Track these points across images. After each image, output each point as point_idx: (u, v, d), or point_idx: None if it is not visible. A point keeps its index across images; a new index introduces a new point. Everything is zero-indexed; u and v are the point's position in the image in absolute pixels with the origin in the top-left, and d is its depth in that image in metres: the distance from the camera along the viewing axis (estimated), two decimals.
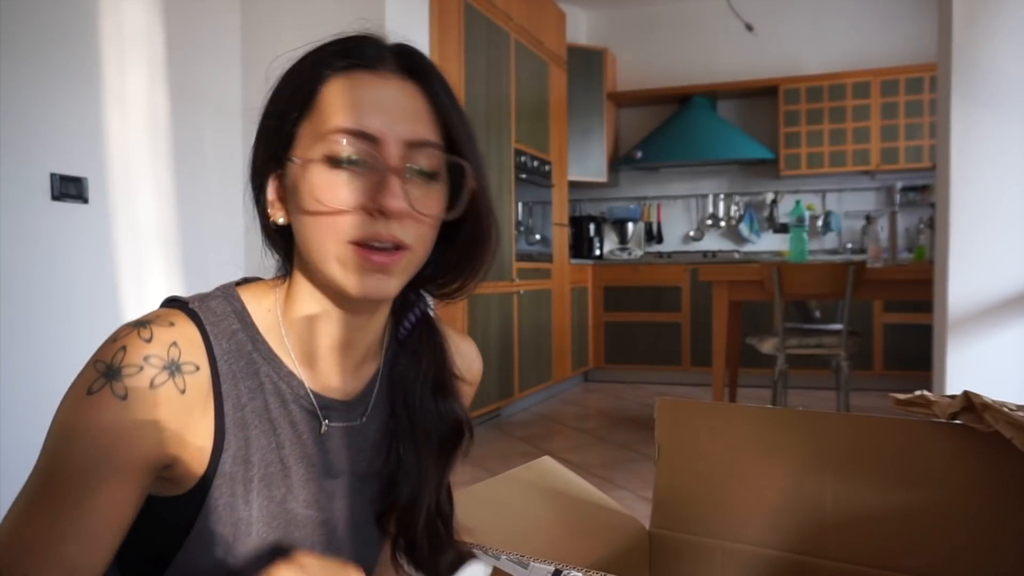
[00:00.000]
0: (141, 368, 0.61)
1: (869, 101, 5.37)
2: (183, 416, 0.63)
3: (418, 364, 0.77)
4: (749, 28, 5.77)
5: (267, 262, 0.76)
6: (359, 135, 0.64)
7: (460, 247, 0.74)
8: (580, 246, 5.89)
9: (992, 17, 2.37)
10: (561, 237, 5.11)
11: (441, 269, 0.76)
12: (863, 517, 0.90)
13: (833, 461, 0.92)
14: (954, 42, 2.40)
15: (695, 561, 1.01)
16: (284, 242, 0.72)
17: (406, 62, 0.68)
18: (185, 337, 0.64)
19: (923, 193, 5.41)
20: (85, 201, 2.53)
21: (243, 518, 0.67)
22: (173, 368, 0.63)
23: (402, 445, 0.76)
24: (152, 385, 0.62)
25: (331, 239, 0.64)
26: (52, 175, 2.43)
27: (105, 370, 0.62)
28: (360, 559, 0.75)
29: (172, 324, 0.64)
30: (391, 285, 0.67)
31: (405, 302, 0.79)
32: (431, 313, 0.81)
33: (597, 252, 6.02)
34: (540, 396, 4.92)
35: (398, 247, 0.65)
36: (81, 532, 0.60)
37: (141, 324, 0.64)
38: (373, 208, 0.63)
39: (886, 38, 5.47)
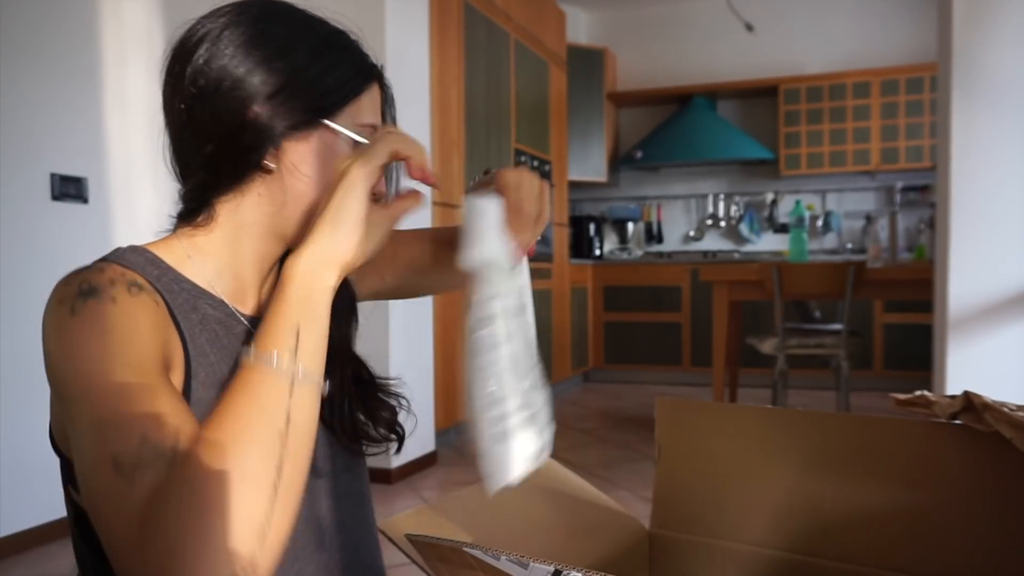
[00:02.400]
0: (113, 282, 0.63)
1: (869, 101, 5.37)
2: (164, 326, 0.65)
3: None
4: (749, 28, 5.78)
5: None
6: (373, 129, 0.75)
7: None
8: (580, 246, 5.89)
9: (992, 17, 2.37)
10: (561, 237, 5.11)
11: None
12: (863, 517, 0.90)
13: (833, 461, 0.92)
14: (954, 42, 2.40)
15: (695, 561, 1.01)
16: (228, 184, 0.72)
17: (385, 80, 0.80)
18: (129, 272, 0.66)
19: (923, 193, 5.41)
20: (85, 201, 2.53)
21: None
22: (136, 285, 0.64)
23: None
24: (130, 291, 0.63)
25: (313, 204, 0.71)
26: (52, 175, 2.43)
27: (78, 292, 0.62)
28: (332, 455, 0.79)
29: (107, 266, 0.66)
30: None
31: None
32: None
33: (597, 252, 6.02)
34: None
35: None
36: (168, 397, 0.60)
37: (83, 268, 0.66)
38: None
39: (886, 38, 5.47)
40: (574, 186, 5.76)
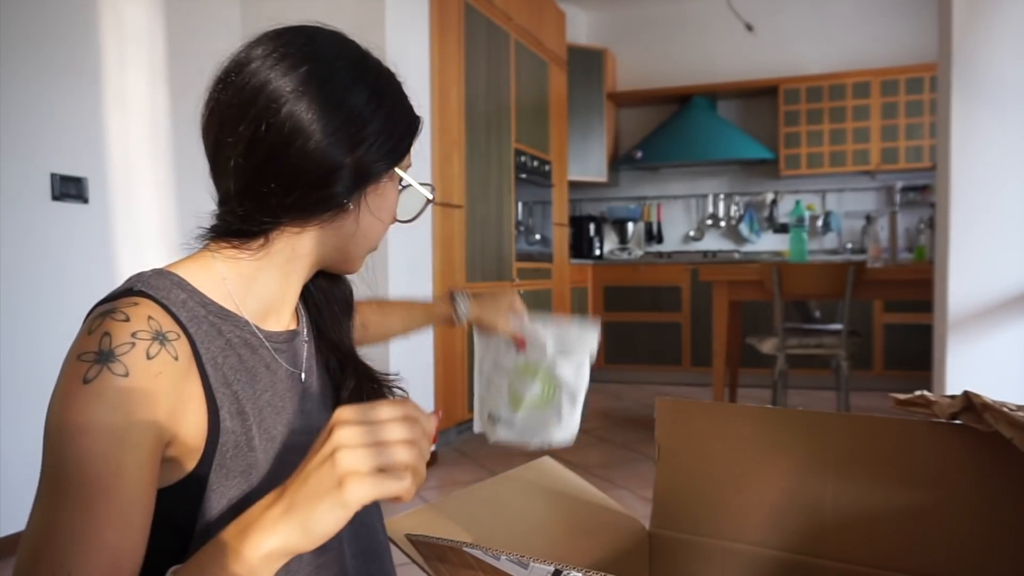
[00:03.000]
0: (133, 344, 0.63)
1: (869, 101, 5.37)
2: (181, 382, 0.65)
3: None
4: (749, 28, 5.77)
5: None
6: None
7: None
8: (580, 246, 5.89)
9: (992, 17, 2.37)
10: (561, 237, 5.11)
11: None
12: (863, 517, 0.90)
13: (833, 461, 0.92)
14: (954, 42, 2.40)
15: (695, 561, 1.01)
16: (298, 218, 0.74)
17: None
18: (154, 310, 0.66)
19: (923, 193, 5.41)
20: (85, 201, 2.53)
21: (251, 463, 0.70)
22: (160, 338, 0.64)
23: (327, 334, 0.87)
24: (148, 356, 0.63)
25: (380, 238, 0.81)
26: (52, 175, 2.43)
27: (96, 357, 0.61)
28: None
29: (136, 303, 0.66)
30: None
31: None
32: None
33: (597, 252, 6.02)
34: None
35: None
36: (114, 516, 0.60)
37: (109, 311, 0.65)
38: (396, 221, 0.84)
39: (886, 38, 5.47)
40: (574, 186, 5.76)
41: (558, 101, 5.04)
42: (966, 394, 0.82)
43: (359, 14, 3.01)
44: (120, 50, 2.67)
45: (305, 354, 0.82)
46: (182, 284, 0.71)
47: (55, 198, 2.43)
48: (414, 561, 0.75)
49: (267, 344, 0.76)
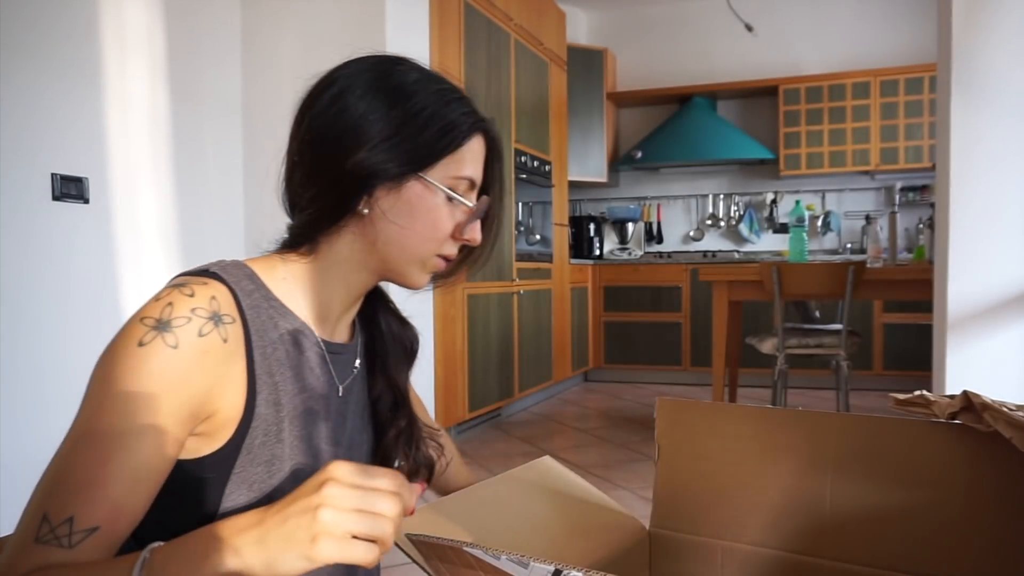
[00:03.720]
0: (189, 319, 0.68)
1: (869, 101, 5.37)
2: (225, 364, 0.70)
3: (382, 307, 0.94)
4: (749, 28, 5.78)
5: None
6: (472, 183, 0.81)
7: (466, 254, 0.90)
8: (580, 246, 5.89)
9: (992, 17, 2.37)
10: (561, 237, 5.11)
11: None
12: (863, 517, 0.90)
13: (833, 461, 0.92)
14: (954, 42, 2.40)
15: (695, 561, 1.01)
16: (327, 224, 0.80)
17: (492, 133, 0.85)
18: (220, 292, 0.72)
19: (923, 193, 5.41)
20: (85, 201, 2.53)
21: (276, 455, 0.75)
22: (216, 319, 0.70)
23: (388, 371, 0.91)
24: (200, 334, 0.68)
25: (427, 250, 0.80)
26: (53, 175, 2.43)
27: (155, 324, 0.67)
28: None
29: (206, 283, 0.72)
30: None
31: None
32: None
33: (597, 252, 6.03)
34: (540, 396, 4.92)
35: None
36: (127, 474, 0.64)
37: (181, 284, 0.71)
38: (460, 235, 0.82)
39: (886, 38, 5.48)
40: (574, 186, 5.76)
41: (558, 101, 5.04)
42: (965, 394, 0.83)
43: (359, 14, 3.01)
44: (120, 50, 2.67)
45: (351, 374, 0.87)
46: (252, 276, 0.77)
47: (55, 198, 2.43)
48: (414, 561, 0.75)
49: (318, 347, 0.81)
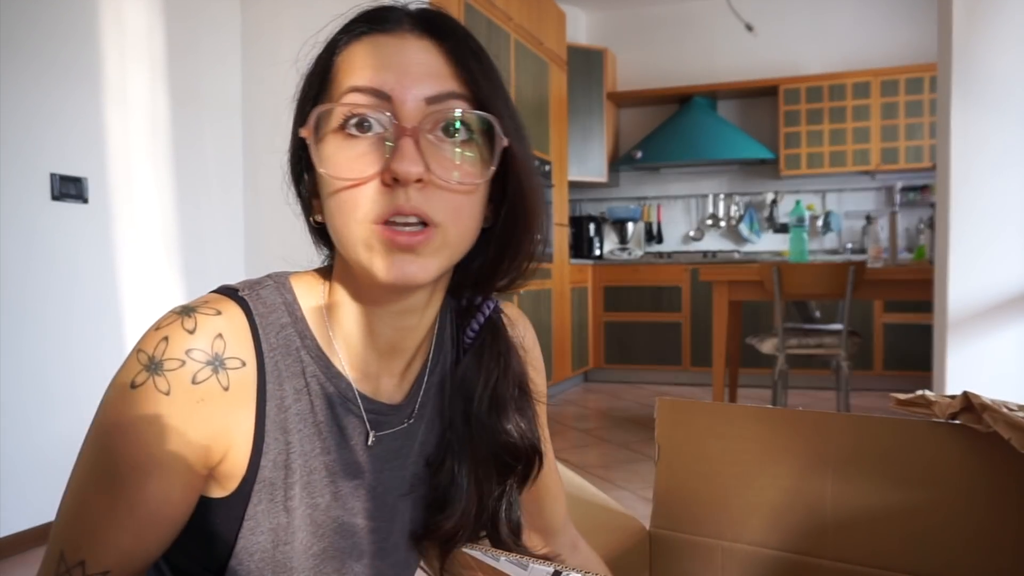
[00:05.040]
0: (183, 363, 0.58)
1: (869, 101, 5.37)
2: (226, 414, 0.60)
3: (480, 374, 0.71)
4: (749, 28, 5.77)
5: (270, 268, 0.74)
6: (369, 92, 0.58)
7: (504, 228, 0.68)
8: (580, 246, 5.89)
9: (992, 17, 2.37)
10: (561, 237, 5.11)
11: (491, 260, 0.70)
12: (863, 517, 0.90)
13: (833, 461, 0.92)
14: (954, 42, 2.40)
15: (695, 561, 1.01)
16: (330, 239, 0.67)
17: (426, 21, 0.62)
18: (232, 328, 0.60)
19: (923, 193, 5.41)
20: (85, 201, 2.53)
21: (282, 525, 0.64)
22: (217, 363, 0.59)
23: (457, 462, 0.71)
24: (194, 381, 0.58)
25: (352, 220, 0.58)
26: (52, 175, 2.43)
27: (147, 362, 0.58)
28: (407, 568, 0.73)
29: (219, 313, 0.60)
30: (423, 268, 0.59)
31: (470, 305, 0.74)
32: (501, 318, 0.75)
33: (597, 252, 6.02)
34: None
35: (425, 224, 0.58)
36: (132, 523, 0.59)
37: (186, 312, 0.60)
38: (388, 177, 0.57)
39: (886, 38, 5.47)
40: (574, 186, 5.75)
41: (558, 101, 5.04)
42: (965, 394, 0.83)
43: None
44: (120, 50, 2.67)
45: (400, 426, 0.70)
46: (291, 307, 0.64)
47: (55, 198, 2.43)
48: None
49: (354, 407, 0.66)
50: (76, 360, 2.46)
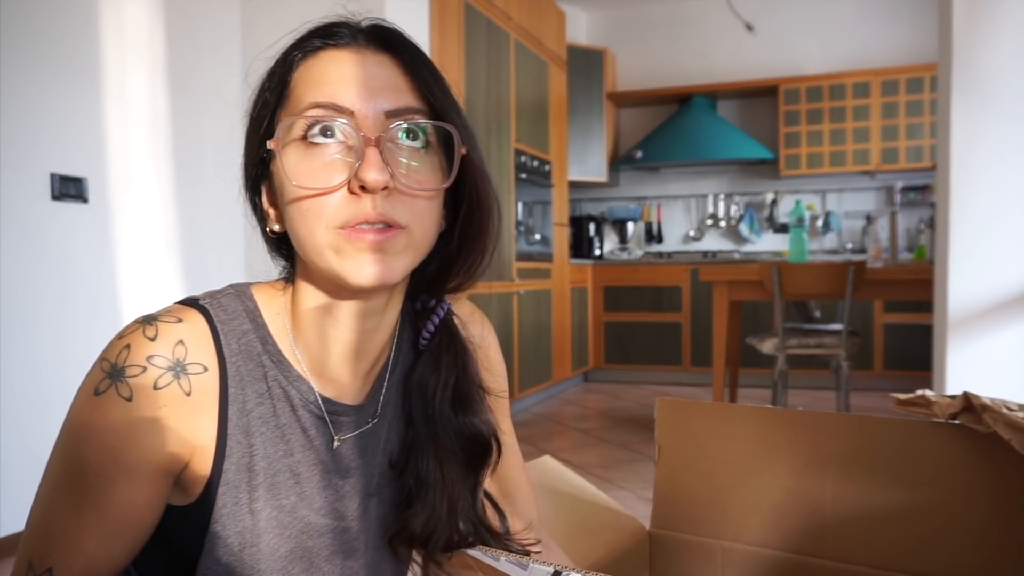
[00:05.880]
0: (144, 369, 0.60)
1: (869, 101, 5.37)
2: (189, 418, 0.62)
3: (438, 375, 0.73)
4: (749, 28, 5.77)
5: (270, 268, 0.75)
6: (332, 108, 0.61)
7: (461, 231, 0.70)
8: (580, 246, 5.89)
9: (992, 17, 2.37)
10: (561, 237, 5.11)
11: (445, 263, 0.72)
12: (863, 517, 0.90)
13: (833, 461, 0.92)
14: (954, 42, 2.40)
15: (695, 561, 1.01)
16: (288, 248, 0.70)
17: (379, 37, 0.65)
18: (194, 335, 0.62)
19: (923, 193, 5.41)
20: (85, 201, 2.53)
21: (247, 527, 0.65)
22: (178, 369, 0.61)
23: (421, 460, 0.72)
24: (156, 387, 0.60)
25: (319, 227, 0.60)
26: (52, 175, 2.43)
27: (110, 369, 0.60)
28: (379, 568, 0.74)
29: (180, 320, 0.62)
30: (391, 268, 0.61)
31: (424, 308, 0.76)
32: (453, 319, 0.77)
33: (597, 252, 6.02)
34: (540, 396, 4.92)
35: (390, 226, 0.60)
36: (99, 529, 0.61)
37: (148, 320, 0.62)
38: (356, 185, 0.59)
39: (886, 38, 5.47)
40: (574, 186, 5.76)
41: (558, 101, 5.04)
42: (965, 395, 0.83)
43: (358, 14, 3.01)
44: (120, 50, 2.67)
45: (363, 427, 0.71)
46: (254, 315, 0.67)
47: (55, 198, 2.43)
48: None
49: (316, 409, 0.67)
50: (75, 359, 2.46)
